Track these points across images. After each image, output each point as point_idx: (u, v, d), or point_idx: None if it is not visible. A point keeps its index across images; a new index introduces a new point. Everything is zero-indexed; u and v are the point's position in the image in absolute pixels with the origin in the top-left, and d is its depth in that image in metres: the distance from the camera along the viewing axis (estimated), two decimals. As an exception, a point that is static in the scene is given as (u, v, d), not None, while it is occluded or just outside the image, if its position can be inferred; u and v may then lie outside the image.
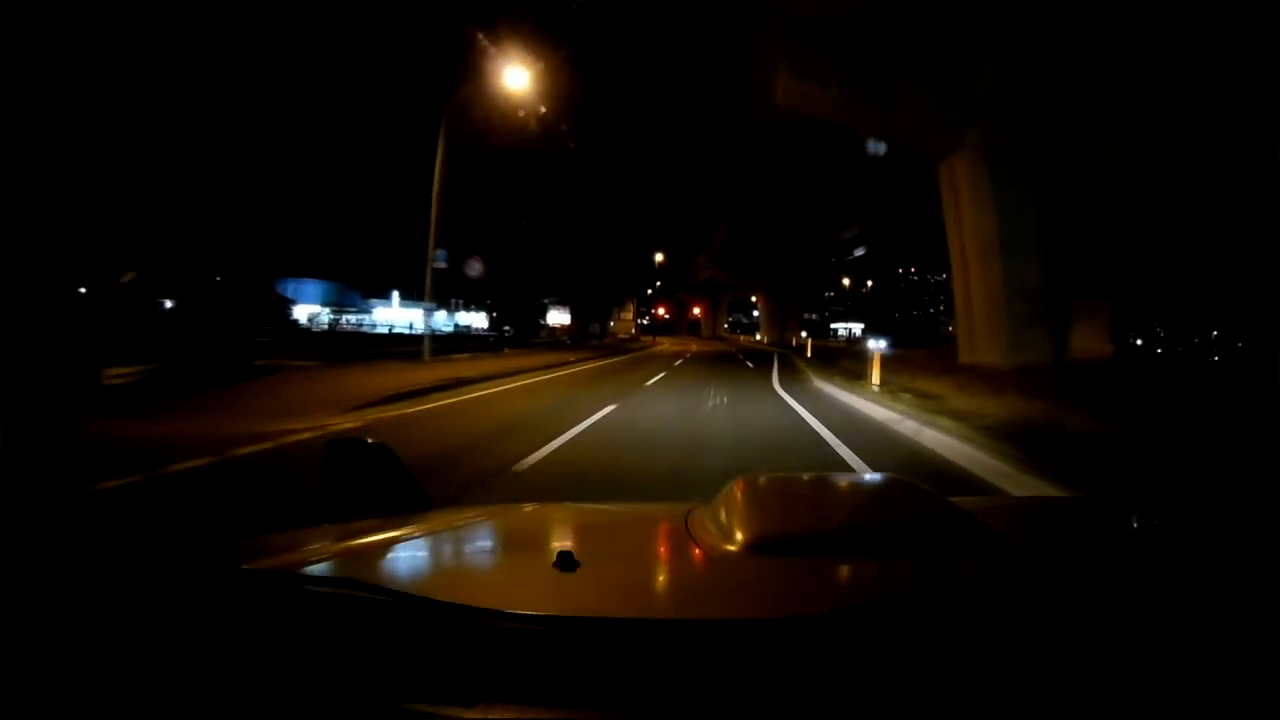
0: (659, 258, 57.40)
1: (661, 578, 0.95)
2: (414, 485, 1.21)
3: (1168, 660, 0.61)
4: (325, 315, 59.98)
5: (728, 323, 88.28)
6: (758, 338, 62.35)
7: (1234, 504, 1.35)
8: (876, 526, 0.96)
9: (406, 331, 55.62)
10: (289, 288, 59.18)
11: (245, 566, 0.80)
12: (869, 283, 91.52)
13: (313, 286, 60.88)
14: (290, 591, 0.71)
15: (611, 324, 72.09)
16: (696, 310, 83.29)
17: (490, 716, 0.55)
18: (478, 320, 66.42)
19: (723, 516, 0.98)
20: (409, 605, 0.65)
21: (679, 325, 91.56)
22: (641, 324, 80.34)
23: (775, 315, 55.38)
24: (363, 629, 0.63)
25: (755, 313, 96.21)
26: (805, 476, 1.46)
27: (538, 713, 0.55)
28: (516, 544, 1.09)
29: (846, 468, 4.51)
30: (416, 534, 1.06)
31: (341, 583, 0.71)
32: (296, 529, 1.05)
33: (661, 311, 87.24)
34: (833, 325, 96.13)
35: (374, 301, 62.69)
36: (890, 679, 0.57)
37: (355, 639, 0.63)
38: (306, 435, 5.23)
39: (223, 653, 0.63)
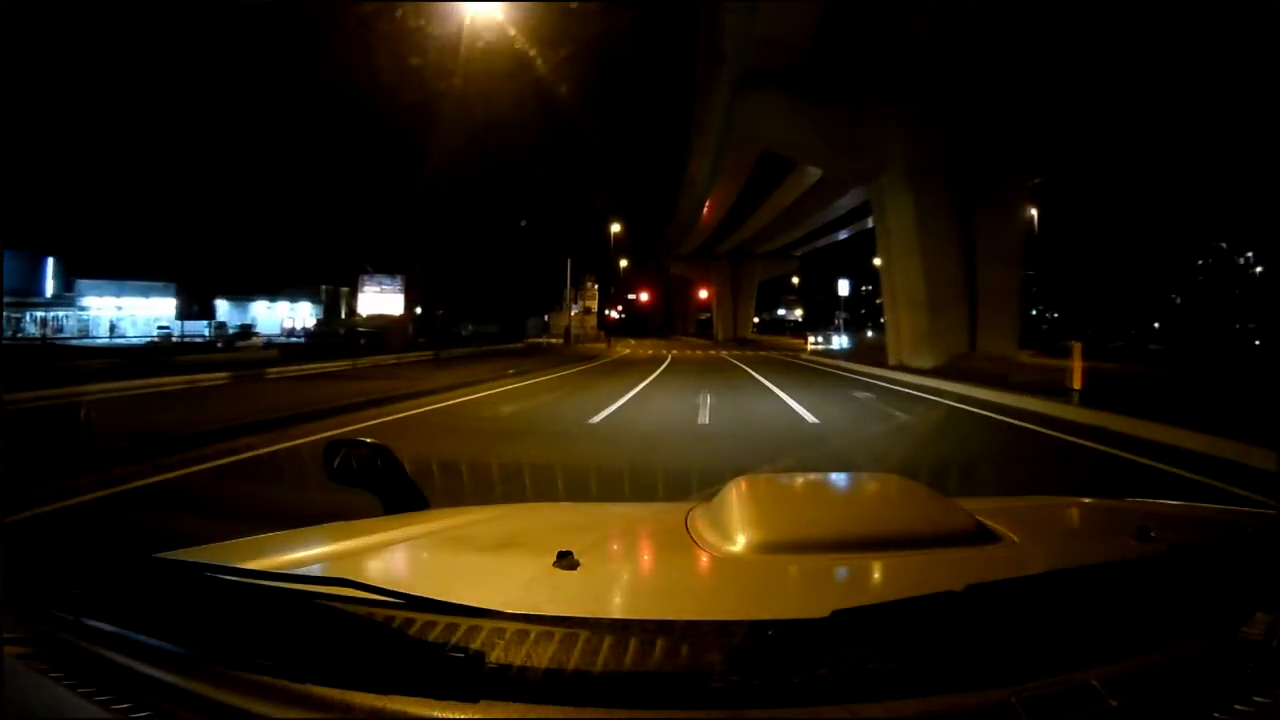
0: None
1: (661, 578, 0.97)
2: (413, 485, 1.26)
3: (1169, 667, 0.62)
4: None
5: (757, 319, 53.08)
6: (827, 344, 26.95)
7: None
8: (877, 526, 0.99)
9: (92, 342, 29.11)
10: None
11: (247, 565, 0.82)
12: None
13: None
14: (291, 591, 0.70)
15: (547, 317, 43.55)
16: (704, 294, 50.37)
17: (490, 715, 0.57)
18: (303, 314, 39.15)
19: (723, 516, 1.00)
20: (409, 605, 0.66)
21: (681, 319, 60.23)
22: (617, 317, 50.89)
23: (951, 241, 14.23)
24: (362, 629, 0.63)
25: (792, 314, 63.34)
26: (805, 476, 1.67)
27: (537, 711, 0.57)
28: (516, 544, 1.08)
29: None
30: (416, 534, 1.10)
31: (341, 583, 0.70)
32: (298, 528, 1.11)
33: (645, 297, 56.56)
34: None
35: (88, 285, 34.18)
36: (890, 680, 0.58)
37: (354, 638, 0.63)
38: None
39: (230, 652, 0.64)
